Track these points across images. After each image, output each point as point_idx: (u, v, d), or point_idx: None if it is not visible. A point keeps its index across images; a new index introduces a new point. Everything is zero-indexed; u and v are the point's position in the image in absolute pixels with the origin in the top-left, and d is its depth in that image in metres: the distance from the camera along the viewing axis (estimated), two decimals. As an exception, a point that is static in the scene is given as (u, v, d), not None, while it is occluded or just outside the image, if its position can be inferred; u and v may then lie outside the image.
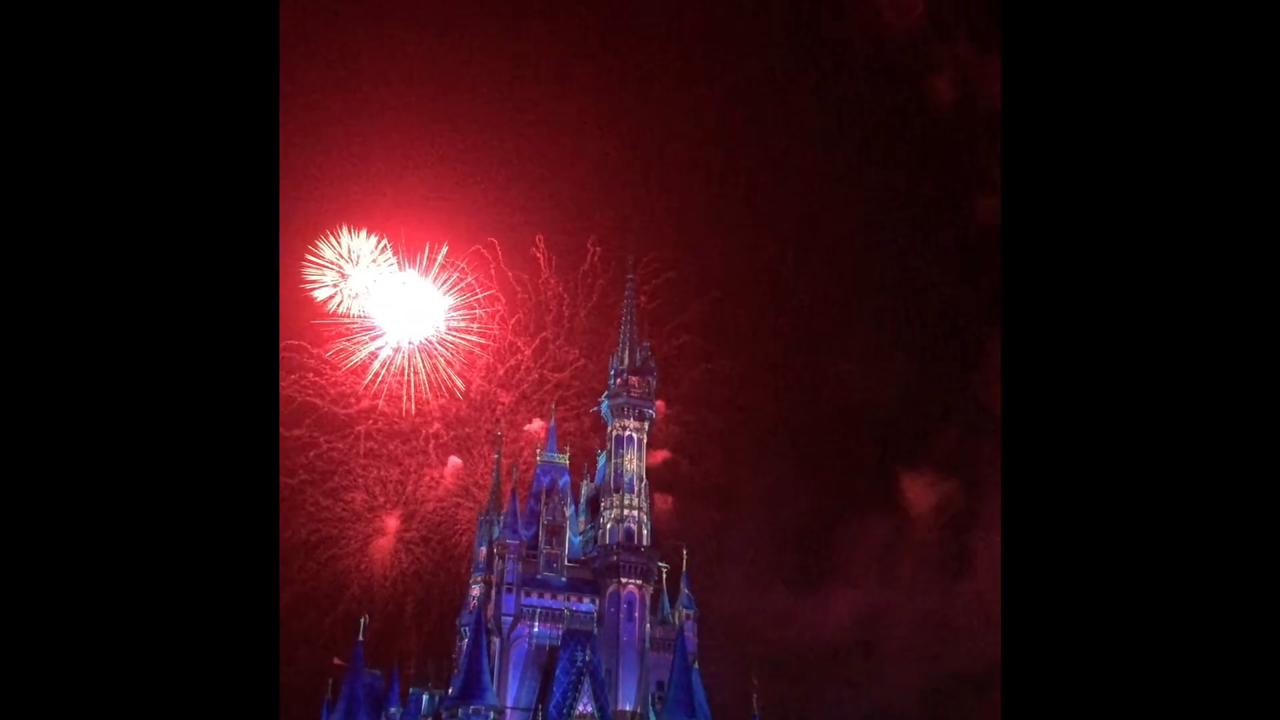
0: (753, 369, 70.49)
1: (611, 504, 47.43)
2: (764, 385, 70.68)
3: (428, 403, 58.35)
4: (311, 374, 57.89)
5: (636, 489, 47.83)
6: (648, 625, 45.65)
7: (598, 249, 59.20)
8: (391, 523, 60.42)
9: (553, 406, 54.13)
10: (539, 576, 45.81)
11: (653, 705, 43.93)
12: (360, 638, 44.22)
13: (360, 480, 59.07)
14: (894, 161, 76.60)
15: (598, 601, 45.65)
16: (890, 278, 79.07)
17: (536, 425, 54.16)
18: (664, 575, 47.04)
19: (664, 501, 63.32)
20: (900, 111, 75.28)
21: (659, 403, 54.60)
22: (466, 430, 55.48)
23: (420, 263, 58.31)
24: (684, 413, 66.45)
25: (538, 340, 60.41)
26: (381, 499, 59.77)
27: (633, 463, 48.30)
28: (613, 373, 50.51)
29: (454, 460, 59.07)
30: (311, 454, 57.94)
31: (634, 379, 49.79)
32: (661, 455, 63.59)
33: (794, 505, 70.34)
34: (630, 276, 53.99)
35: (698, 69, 77.62)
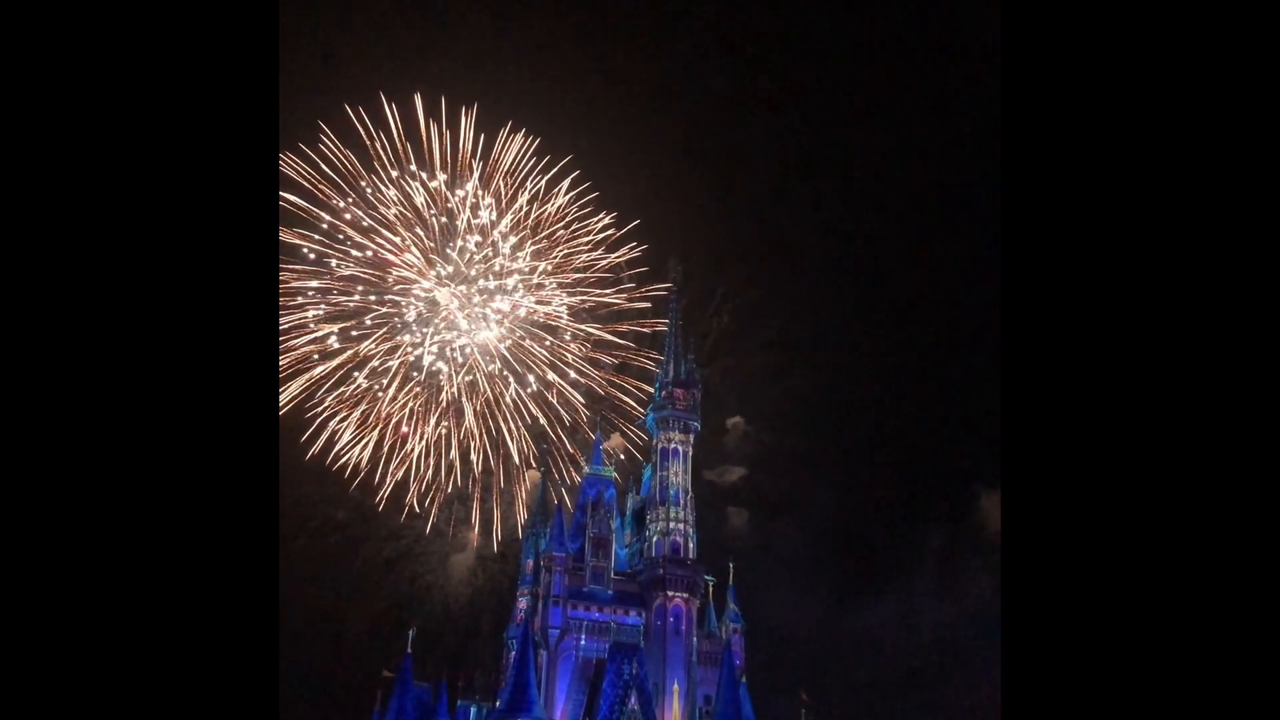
0: (833, 386, 70.27)
1: (657, 517, 47.38)
2: (843, 402, 70.32)
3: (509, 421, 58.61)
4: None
5: (682, 502, 47.72)
6: (694, 639, 45.46)
7: (681, 267, 59.22)
8: (471, 539, 60.86)
9: (598, 419, 54.26)
10: (585, 589, 45.87)
11: (700, 719, 43.76)
12: (409, 650, 44.50)
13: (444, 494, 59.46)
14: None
15: (644, 615, 45.59)
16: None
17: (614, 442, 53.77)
18: (710, 589, 46.89)
19: (738, 515, 63.37)
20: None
21: (738, 419, 54.48)
22: (544, 446, 55.67)
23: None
24: (763, 430, 66.44)
25: (620, 358, 60.39)
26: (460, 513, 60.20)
27: (678, 476, 48.23)
28: (658, 386, 50.55)
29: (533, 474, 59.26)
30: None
31: (679, 392, 49.77)
32: (738, 471, 63.70)
33: (869, 521, 69.91)
34: (674, 289, 54.05)
35: (788, 98, 77.67)
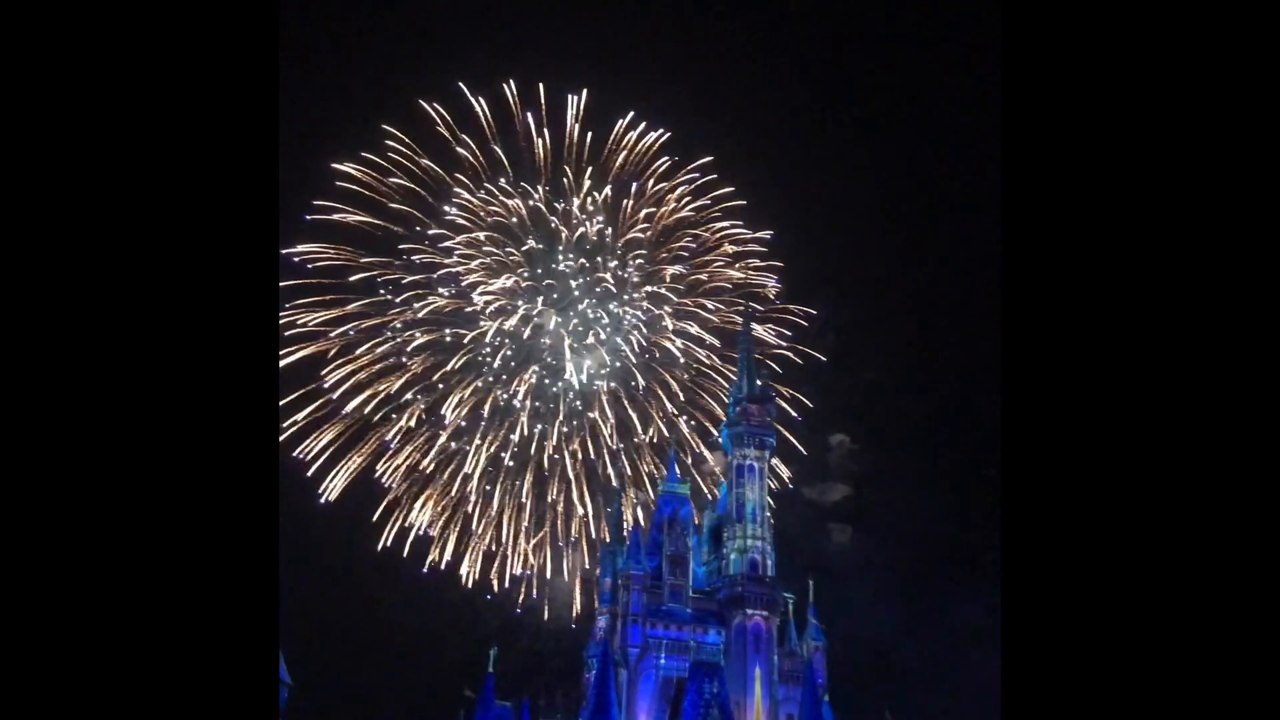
0: (938, 405, 69.55)
1: (734, 534, 47.20)
2: (949, 422, 69.63)
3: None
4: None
5: (759, 519, 47.49)
6: (775, 657, 45.14)
7: (780, 287, 58.90)
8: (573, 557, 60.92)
9: (672, 438, 54.32)
10: (664, 608, 45.80)
11: (783, 739, 43.45)
12: (490, 669, 44.85)
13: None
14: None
15: (724, 633, 45.39)
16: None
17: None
18: (791, 606, 46.56)
19: (841, 532, 62.95)
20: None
21: (843, 436, 53.93)
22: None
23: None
24: (867, 449, 65.97)
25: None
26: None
27: (754, 492, 48.00)
28: (731, 402, 50.44)
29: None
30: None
31: (753, 408, 49.60)
32: (842, 489, 63.31)
33: (974, 540, 68.92)
34: (748, 305, 53.95)
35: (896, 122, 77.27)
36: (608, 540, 52.75)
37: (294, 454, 57.37)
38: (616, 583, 46.63)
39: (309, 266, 57.34)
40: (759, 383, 50.46)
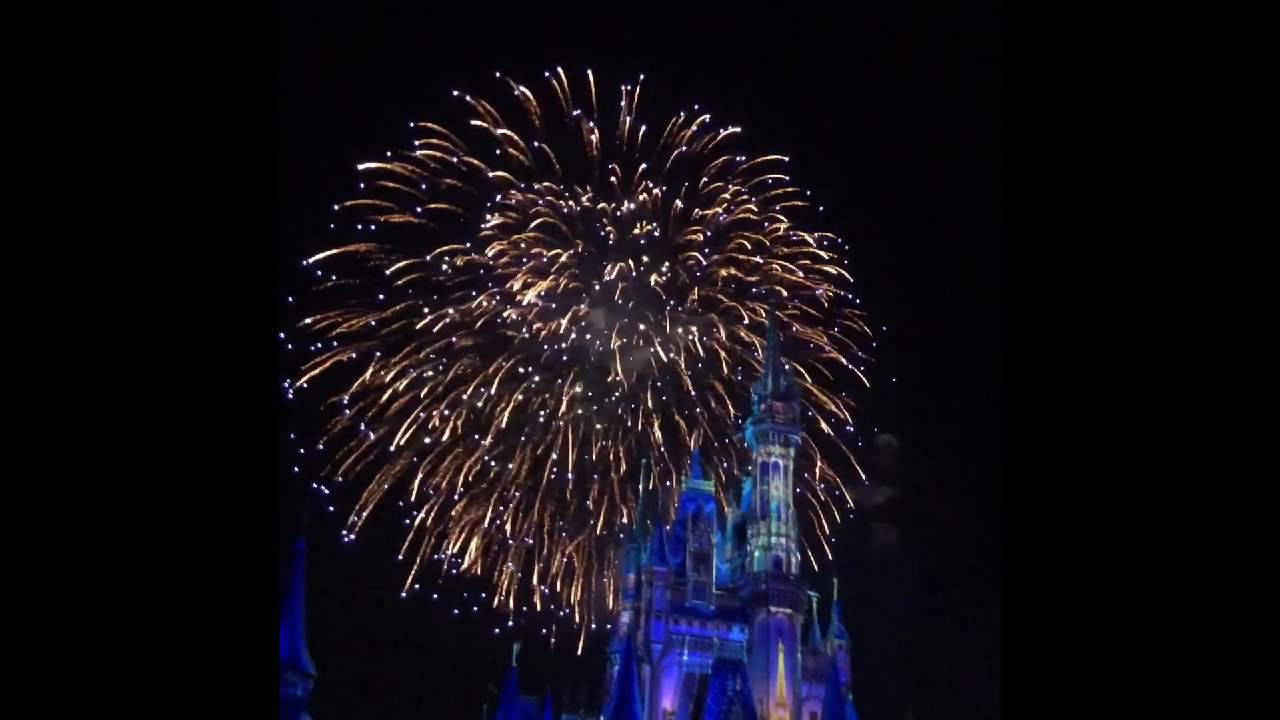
0: (983, 406, 69.34)
1: (759, 532, 47.08)
2: (993, 424, 69.43)
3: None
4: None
5: (784, 516, 47.34)
6: (799, 655, 45.03)
7: (828, 291, 58.44)
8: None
9: (696, 434, 54.21)
10: (687, 604, 45.78)
11: (806, 737, 43.34)
12: (514, 664, 44.95)
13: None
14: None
15: (747, 630, 45.32)
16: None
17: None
18: (814, 604, 46.45)
19: (886, 532, 62.81)
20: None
21: (888, 437, 53.53)
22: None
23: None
24: (913, 450, 65.77)
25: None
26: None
27: (779, 489, 47.85)
28: (756, 398, 50.27)
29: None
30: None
31: (778, 404, 49.44)
32: (888, 490, 63.15)
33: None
34: (773, 301, 53.77)
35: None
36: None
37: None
38: (640, 579, 46.66)
39: (328, 272, 57.01)
40: (784, 380, 50.31)
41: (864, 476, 63.03)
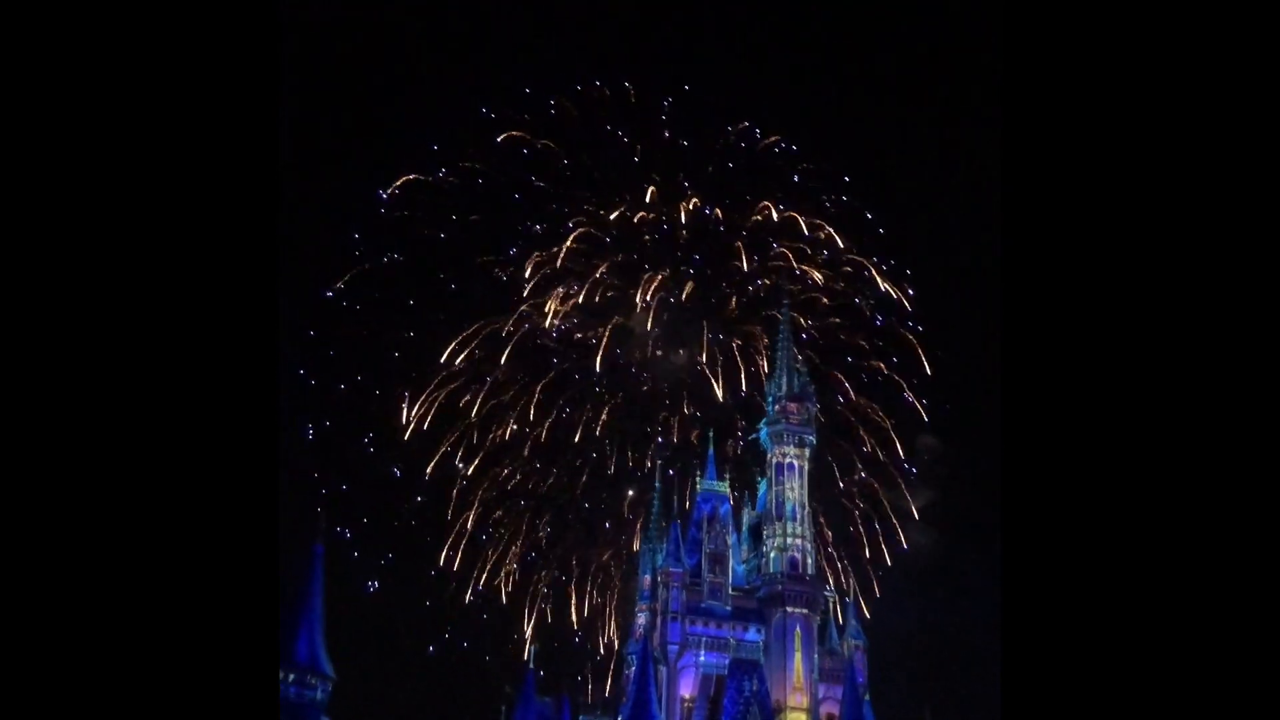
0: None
1: (774, 533, 47.08)
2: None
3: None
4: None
5: (799, 517, 47.32)
6: (815, 655, 45.02)
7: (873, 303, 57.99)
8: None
9: (710, 433, 54.01)
10: (704, 605, 45.79)
11: (823, 737, 43.34)
12: (531, 665, 45.13)
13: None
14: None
15: (764, 631, 45.34)
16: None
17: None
18: (831, 605, 46.44)
19: (925, 534, 62.80)
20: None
21: (928, 438, 53.23)
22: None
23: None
24: (953, 452, 65.70)
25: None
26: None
27: (794, 490, 47.83)
28: (770, 399, 50.19)
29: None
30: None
31: (792, 405, 49.35)
32: (925, 493, 63.10)
33: None
34: (786, 301, 53.70)
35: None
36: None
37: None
38: (656, 580, 46.71)
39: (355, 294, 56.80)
40: (798, 381, 50.24)
41: (899, 480, 63.00)
